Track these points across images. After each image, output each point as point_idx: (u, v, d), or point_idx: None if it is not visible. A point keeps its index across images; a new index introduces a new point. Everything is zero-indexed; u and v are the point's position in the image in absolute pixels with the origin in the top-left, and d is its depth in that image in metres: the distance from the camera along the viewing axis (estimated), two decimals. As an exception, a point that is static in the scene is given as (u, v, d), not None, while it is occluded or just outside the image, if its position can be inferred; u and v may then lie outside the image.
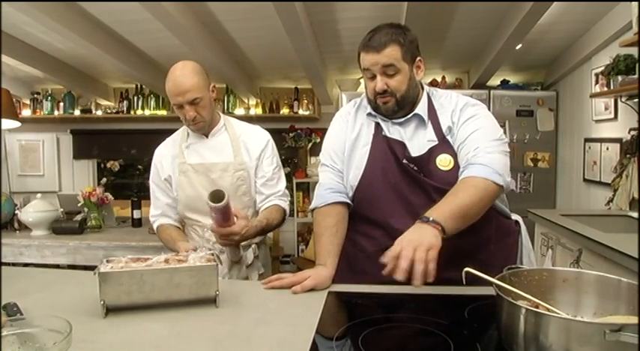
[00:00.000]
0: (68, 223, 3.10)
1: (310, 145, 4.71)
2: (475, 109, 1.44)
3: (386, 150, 1.44)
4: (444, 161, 1.39)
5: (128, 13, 3.06)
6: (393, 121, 1.47)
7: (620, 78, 2.80)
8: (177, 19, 2.93)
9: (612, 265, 2.03)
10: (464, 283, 1.04)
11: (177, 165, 1.82)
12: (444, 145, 1.41)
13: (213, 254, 1.26)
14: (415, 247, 1.12)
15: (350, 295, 1.33)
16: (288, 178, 4.90)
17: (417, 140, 1.44)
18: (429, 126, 1.44)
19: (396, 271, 1.11)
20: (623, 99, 2.93)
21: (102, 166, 5.06)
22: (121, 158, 5.07)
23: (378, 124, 1.49)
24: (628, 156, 2.92)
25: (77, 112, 4.67)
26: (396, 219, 1.40)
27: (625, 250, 1.93)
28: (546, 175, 3.97)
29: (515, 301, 1.00)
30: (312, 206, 1.52)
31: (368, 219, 1.47)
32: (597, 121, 3.41)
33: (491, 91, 3.94)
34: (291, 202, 4.82)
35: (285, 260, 4.74)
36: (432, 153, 1.41)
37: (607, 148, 3.25)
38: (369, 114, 1.51)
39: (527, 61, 3.98)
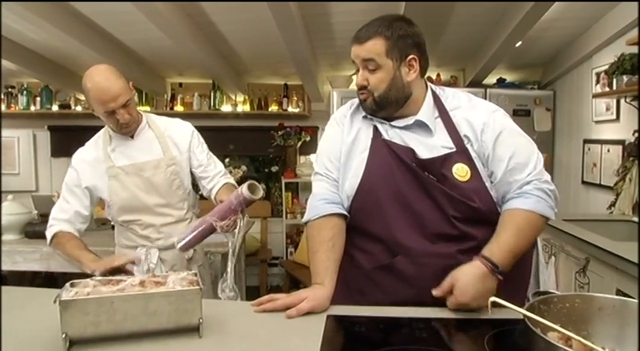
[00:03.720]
0: (42, 227, 2.85)
1: (300, 143, 4.54)
2: (499, 119, 1.30)
3: (387, 155, 1.29)
4: (460, 171, 1.25)
5: (108, 4, 2.86)
6: (392, 124, 1.33)
7: (625, 78, 2.69)
8: (161, 11, 2.75)
9: (624, 276, 1.92)
10: (489, 312, 0.90)
11: (104, 170, 1.78)
12: (462, 153, 1.27)
13: (196, 275, 1.10)
14: (468, 303, 1.13)
15: (352, 319, 1.18)
16: (277, 177, 4.76)
17: (424, 145, 1.29)
18: (444, 131, 1.30)
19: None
20: (628, 99, 2.82)
21: (82, 164, 4.82)
22: (101, 156, 4.85)
23: (376, 128, 1.35)
24: (631, 159, 2.81)
25: (55, 108, 4.44)
26: (399, 231, 1.26)
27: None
28: (543, 176, 3.86)
29: (544, 335, 0.86)
30: (304, 219, 1.37)
31: (366, 232, 1.32)
32: (598, 121, 3.31)
33: (488, 90, 3.82)
34: (280, 203, 4.68)
35: (273, 263, 4.58)
36: (447, 159, 1.26)
37: (608, 150, 3.15)
38: (365, 116, 1.37)
39: (524, 59, 3.86)
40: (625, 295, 1.92)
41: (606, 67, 3.07)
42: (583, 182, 3.48)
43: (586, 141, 3.45)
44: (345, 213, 1.34)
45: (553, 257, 2.55)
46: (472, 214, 1.24)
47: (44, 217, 3.06)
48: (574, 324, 0.96)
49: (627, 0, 2.72)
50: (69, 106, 4.43)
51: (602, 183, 3.22)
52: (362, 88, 1.30)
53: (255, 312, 1.19)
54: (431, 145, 1.28)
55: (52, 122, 4.60)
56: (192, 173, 1.92)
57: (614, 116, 3.09)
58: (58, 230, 1.75)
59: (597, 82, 3.25)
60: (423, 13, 2.76)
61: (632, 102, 2.80)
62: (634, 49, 2.69)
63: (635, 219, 2.68)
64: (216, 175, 1.90)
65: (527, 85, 4.11)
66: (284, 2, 2.62)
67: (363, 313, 1.21)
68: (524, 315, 0.89)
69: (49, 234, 1.77)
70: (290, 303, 1.18)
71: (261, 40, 3.53)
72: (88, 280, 1.03)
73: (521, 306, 1.25)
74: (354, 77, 4.39)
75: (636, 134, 2.76)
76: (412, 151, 1.28)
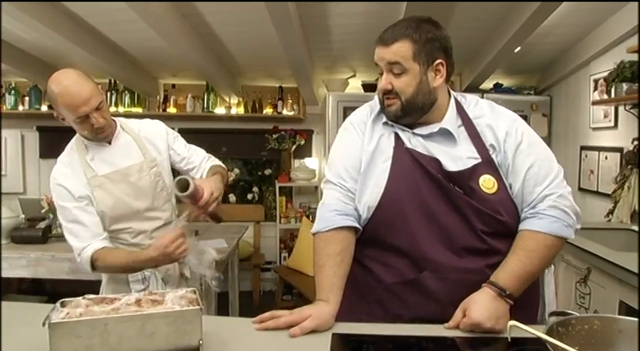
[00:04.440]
0: (30, 232, 2.82)
1: (294, 147, 4.49)
2: (521, 128, 1.26)
3: (410, 165, 1.24)
4: (487, 183, 1.20)
5: (101, 3, 2.78)
6: (414, 132, 1.28)
7: (625, 85, 2.67)
8: (155, 10, 2.68)
9: (627, 288, 1.89)
10: (509, 339, 0.86)
11: (87, 181, 1.67)
12: (487, 164, 1.22)
13: (195, 292, 1.05)
14: (482, 323, 1.09)
15: (359, 338, 1.12)
16: (271, 181, 4.70)
17: (449, 156, 1.24)
18: (468, 140, 1.25)
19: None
20: (627, 107, 2.80)
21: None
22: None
23: (398, 135, 1.29)
24: (630, 167, 2.80)
25: (44, 108, 4.32)
26: (426, 245, 1.21)
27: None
28: (539, 182, 3.84)
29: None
30: (314, 230, 1.30)
31: (388, 245, 1.26)
32: (595, 128, 3.29)
33: (485, 95, 3.80)
34: (274, 207, 4.62)
35: (266, 268, 4.52)
36: (474, 171, 1.22)
37: (606, 158, 3.14)
38: (386, 123, 1.31)
39: (521, 64, 3.84)
40: (628, 307, 1.89)
41: (604, 74, 3.06)
42: (580, 189, 3.47)
43: (583, 148, 3.44)
44: (357, 225, 1.28)
45: (552, 266, 2.52)
46: (499, 228, 1.21)
47: (32, 221, 2.98)
48: (593, 347, 0.92)
49: (630, 0, 2.68)
50: (58, 107, 4.32)
51: (599, 190, 3.20)
52: (387, 92, 1.25)
53: (257, 330, 1.14)
54: (455, 156, 1.24)
55: (40, 123, 4.48)
56: (175, 170, 1.87)
57: (612, 123, 3.08)
58: (94, 251, 1.64)
59: (595, 88, 3.24)
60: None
61: (632, 110, 2.79)
62: (633, 57, 2.68)
63: (634, 228, 2.66)
64: (200, 162, 1.87)
65: (524, 90, 4.10)
66: (282, 2, 2.56)
67: (370, 331, 1.15)
68: (544, 339, 0.85)
69: (86, 264, 1.65)
70: (293, 321, 1.13)
71: (257, 42, 3.47)
72: (79, 299, 0.97)
73: (533, 322, 1.23)
74: (350, 81, 4.36)
75: (635, 142, 2.74)
76: (438, 161, 1.23)
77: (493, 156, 1.23)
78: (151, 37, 3.11)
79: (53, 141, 4.41)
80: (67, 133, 1.86)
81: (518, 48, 3.24)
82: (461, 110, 1.29)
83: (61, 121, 1.64)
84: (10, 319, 1.18)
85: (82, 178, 1.69)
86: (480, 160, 1.22)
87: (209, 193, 1.54)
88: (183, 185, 1.47)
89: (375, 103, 1.36)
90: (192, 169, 1.86)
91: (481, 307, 1.10)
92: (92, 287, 2.01)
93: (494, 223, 1.20)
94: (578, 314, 0.96)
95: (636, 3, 2.57)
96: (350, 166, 1.30)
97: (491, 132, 1.25)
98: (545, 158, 1.25)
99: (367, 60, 3.81)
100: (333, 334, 1.12)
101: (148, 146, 1.79)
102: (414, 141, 1.27)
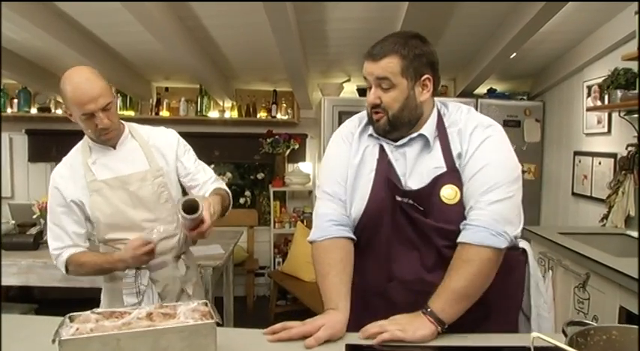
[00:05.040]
0: (20, 238, 2.76)
1: (288, 151, 4.46)
2: (487, 132, 1.25)
3: (388, 179, 1.28)
4: (449, 194, 1.21)
5: (93, 3, 2.74)
6: (396, 145, 1.30)
7: (619, 92, 2.70)
8: (150, 12, 2.64)
9: (628, 293, 1.90)
10: (532, 349, 0.85)
11: (86, 184, 1.64)
12: (452, 173, 1.23)
13: (206, 304, 1.02)
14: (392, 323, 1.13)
15: (373, 348, 1.11)
16: (265, 185, 4.67)
17: (422, 166, 1.26)
18: (438, 150, 1.26)
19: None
20: (622, 114, 2.84)
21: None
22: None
23: (382, 147, 1.31)
24: (624, 172, 2.83)
25: (34, 111, 4.24)
26: (397, 258, 1.26)
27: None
28: (532, 187, 3.86)
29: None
30: (310, 238, 1.32)
31: (366, 256, 1.31)
32: (588, 134, 3.33)
33: (479, 100, 3.82)
34: (268, 212, 4.59)
35: (260, 273, 4.48)
36: (436, 183, 1.23)
37: (599, 163, 3.17)
38: (371, 135, 1.33)
39: (515, 69, 3.88)
40: (629, 312, 1.91)
41: (598, 80, 3.10)
42: (573, 194, 3.50)
43: (576, 153, 3.47)
44: (353, 236, 1.31)
45: (550, 271, 2.53)
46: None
47: (22, 227, 2.92)
48: (613, 358, 0.92)
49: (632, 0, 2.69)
50: (49, 110, 4.23)
51: (592, 195, 3.23)
52: (375, 106, 1.26)
53: (269, 341, 1.12)
54: (425, 167, 1.25)
55: (30, 126, 4.39)
56: (181, 184, 1.81)
57: (605, 129, 3.11)
58: (69, 255, 1.64)
59: (588, 95, 3.28)
60: (422, 23, 2.73)
61: (626, 116, 2.82)
62: (628, 64, 2.71)
63: (630, 233, 2.69)
64: (205, 182, 1.80)
65: (517, 95, 4.13)
66: (281, 5, 2.54)
67: (383, 341, 1.14)
68: (566, 351, 0.84)
69: (61, 265, 1.66)
70: (306, 331, 1.12)
71: (252, 45, 3.45)
72: (88, 313, 0.93)
73: (512, 326, 1.28)
74: (345, 86, 4.35)
75: (630, 148, 2.77)
76: (399, 180, 1.26)
77: (457, 164, 1.24)
78: (144, 40, 3.07)
79: (42, 144, 4.34)
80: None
81: (514, 54, 3.26)
82: (440, 122, 1.30)
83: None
84: (5, 334, 1.14)
85: (80, 180, 1.66)
86: (445, 170, 1.23)
87: (207, 224, 1.47)
88: (191, 207, 1.39)
89: (363, 114, 1.38)
90: (195, 186, 1.80)
91: (399, 316, 1.16)
92: (83, 294, 1.98)
93: (453, 236, 1.21)
94: (596, 324, 0.96)
95: (631, 10, 2.60)
96: (340, 179, 1.33)
97: (459, 138, 1.26)
98: (497, 165, 1.20)
99: (362, 65, 3.81)
100: (347, 345, 1.11)
101: (156, 155, 1.73)
102: (395, 153, 1.29)
